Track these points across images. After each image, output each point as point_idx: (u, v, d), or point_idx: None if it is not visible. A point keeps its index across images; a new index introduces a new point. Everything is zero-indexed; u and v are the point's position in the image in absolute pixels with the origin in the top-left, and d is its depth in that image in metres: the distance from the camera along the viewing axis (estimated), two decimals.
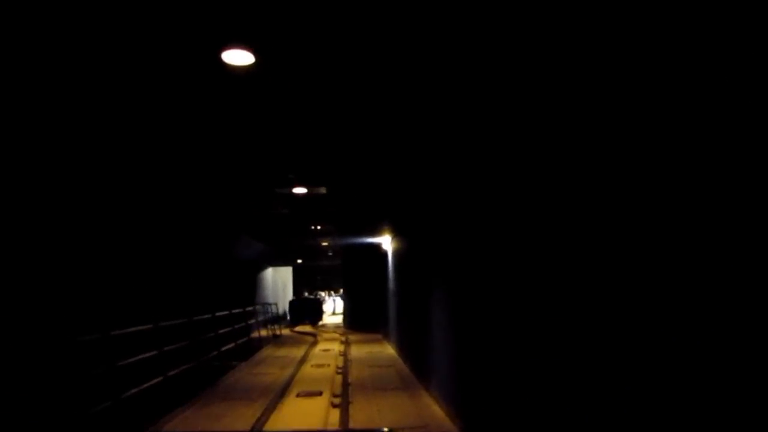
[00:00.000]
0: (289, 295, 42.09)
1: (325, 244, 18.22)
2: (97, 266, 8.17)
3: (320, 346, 18.27)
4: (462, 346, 6.83)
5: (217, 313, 12.39)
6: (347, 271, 27.59)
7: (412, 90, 5.62)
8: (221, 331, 12.47)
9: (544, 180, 3.99)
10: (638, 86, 2.56)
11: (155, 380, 8.72)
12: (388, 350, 16.78)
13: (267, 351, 17.32)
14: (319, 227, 13.67)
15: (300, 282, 45.20)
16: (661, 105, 2.32)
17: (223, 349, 12.49)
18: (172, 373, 9.05)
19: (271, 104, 5.91)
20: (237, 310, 14.89)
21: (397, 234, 15.51)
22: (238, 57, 4.79)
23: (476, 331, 6.05)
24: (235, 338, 14.07)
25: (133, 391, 7.84)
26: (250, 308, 18.06)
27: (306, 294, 37.02)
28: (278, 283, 35.43)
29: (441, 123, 6.47)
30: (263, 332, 21.92)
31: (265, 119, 6.34)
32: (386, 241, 17.57)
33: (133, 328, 8.19)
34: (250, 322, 16.08)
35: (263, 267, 28.03)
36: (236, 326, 14.32)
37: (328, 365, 13.47)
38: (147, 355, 8.52)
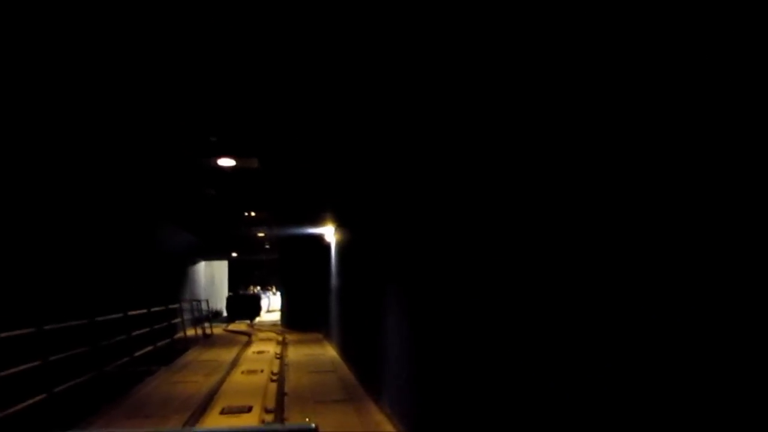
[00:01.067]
0: (224, 291, 39.83)
1: (261, 235, 16.50)
2: None
3: (254, 347, 16.54)
4: (424, 357, 5.43)
5: (131, 312, 10.53)
6: (285, 265, 25.84)
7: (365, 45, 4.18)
8: (136, 332, 10.62)
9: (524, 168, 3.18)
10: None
11: (35, 399, 6.90)
12: (330, 352, 15.26)
13: (193, 354, 15.47)
14: (253, 214, 12.01)
15: (236, 277, 42.94)
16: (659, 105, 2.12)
17: (138, 354, 10.65)
18: (60, 388, 7.25)
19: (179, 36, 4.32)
20: (157, 308, 13.02)
21: (342, 225, 14.00)
22: None
23: (444, 341, 4.65)
24: (155, 340, 12.21)
25: None
26: (175, 305, 16.11)
27: (242, 290, 35.32)
28: (212, 278, 33.17)
29: (400, 89, 5.08)
30: (191, 331, 19.99)
31: (175, 57, 4.73)
32: (329, 233, 16.01)
33: (5, 334, 6.37)
34: (174, 321, 14.19)
35: (194, 261, 25.90)
36: (156, 326, 12.45)
37: (262, 371, 11.83)
38: (23, 367, 6.70)
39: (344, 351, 13.47)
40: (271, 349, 16.01)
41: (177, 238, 16.20)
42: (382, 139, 6.55)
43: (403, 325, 6.41)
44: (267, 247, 21.04)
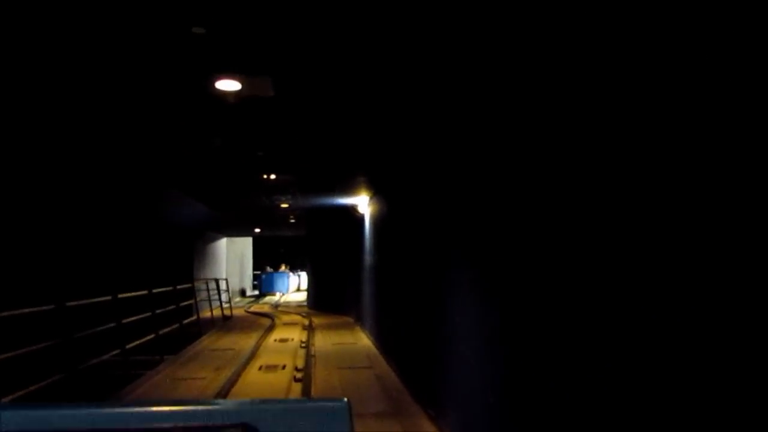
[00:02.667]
0: (249, 270, 38.13)
1: (284, 206, 14.38)
2: None
3: (277, 333, 14.55)
4: (527, 375, 3.26)
5: (123, 294, 8.52)
6: (312, 240, 23.85)
7: None
8: (127, 320, 8.62)
9: None
10: None
11: None
12: (363, 340, 13.18)
13: (207, 340, 13.56)
14: (272, 176, 9.88)
15: (261, 256, 41.19)
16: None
17: (130, 346, 8.67)
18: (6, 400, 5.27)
19: None
20: (162, 289, 11.04)
21: (378, 193, 11.80)
22: None
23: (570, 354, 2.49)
24: (158, 326, 10.25)
25: None
26: (188, 285, 14.16)
27: (272, 269, 35.94)
28: (235, 256, 31.36)
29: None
30: (208, 313, 18.14)
31: None
32: (362, 203, 13.84)
33: None
34: (183, 304, 12.22)
35: (213, 237, 24.04)
36: (160, 310, 10.47)
37: (284, 367, 9.78)
38: None
39: (381, 340, 11.36)
40: (296, 335, 14.00)
41: (187, 210, 14.20)
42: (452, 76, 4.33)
43: (489, 316, 4.22)
44: (292, 221, 18.97)
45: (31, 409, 1.16)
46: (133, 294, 9.25)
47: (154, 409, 1.13)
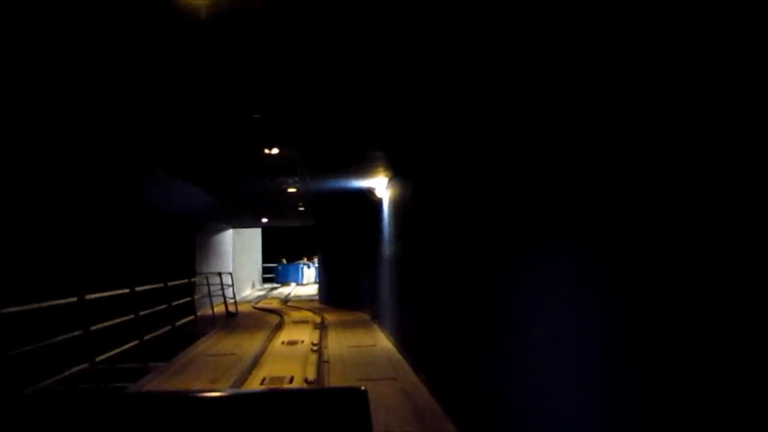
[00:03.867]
0: (258, 263, 36.60)
1: (292, 191, 12.73)
2: None
3: (285, 333, 12.96)
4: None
5: (90, 296, 6.91)
6: (323, 229, 22.26)
7: None
8: (96, 327, 7.02)
9: None
10: None
11: None
12: (382, 342, 11.56)
13: (206, 343, 11.99)
14: (275, 151, 8.22)
15: (271, 248, 39.63)
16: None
17: (101, 358, 7.10)
18: None
19: None
20: (150, 287, 9.45)
21: (399, 173, 10.15)
22: None
23: None
24: (146, 329, 8.70)
25: None
26: (185, 281, 12.57)
27: (286, 261, 36.86)
28: (242, 249, 29.80)
29: None
30: (210, 310, 16.62)
31: None
32: (380, 186, 12.18)
33: None
34: (175, 303, 10.65)
35: (217, 227, 22.50)
36: (145, 312, 8.87)
37: (291, 380, 8.16)
38: None
39: (404, 344, 9.73)
40: (306, 336, 12.40)
41: (178, 195, 12.60)
42: None
43: (624, 333, 2.55)
44: (301, 208, 17.32)
45: None
46: (108, 294, 7.66)
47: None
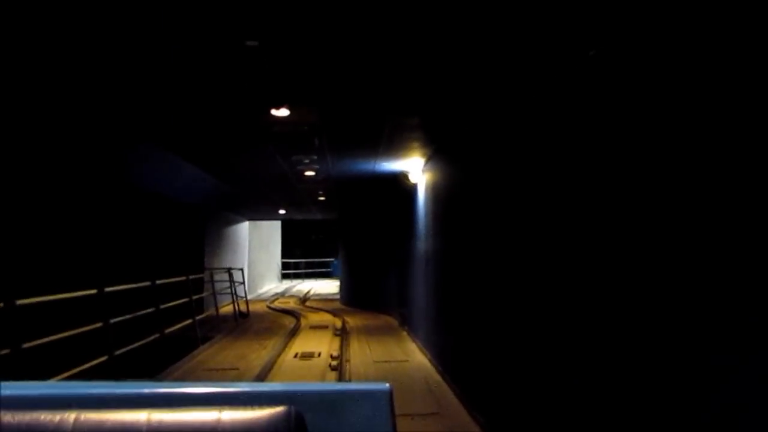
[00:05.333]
0: (277, 258, 34.82)
1: (310, 174, 10.78)
2: None
3: (300, 343, 11.06)
4: None
5: (23, 301, 5.00)
6: (346, 221, 20.43)
7: None
8: (30, 345, 5.11)
9: None
10: None
11: None
12: (416, 356, 9.58)
13: (208, 352, 10.15)
14: (284, 112, 6.25)
15: (290, 243, 37.87)
16: None
17: (64, 375, 5.21)
18: None
19: None
20: (123, 287, 7.55)
21: (440, 151, 8.18)
22: None
23: None
24: (117, 343, 6.87)
25: None
26: (193, 276, 10.70)
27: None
28: (260, 243, 27.99)
29: None
30: (222, 308, 14.82)
31: None
32: (415, 168, 10.20)
33: None
34: (165, 305, 8.78)
35: (229, 218, 20.70)
36: (112, 320, 6.95)
37: None
38: None
39: (446, 363, 7.75)
40: (324, 346, 10.48)
41: (177, 178, 10.74)
42: None
43: None
44: (322, 198, 15.38)
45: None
46: (84, 293, 5.80)
47: (192, 390, 1.05)
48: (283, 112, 6.24)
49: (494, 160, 5.33)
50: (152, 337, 8.09)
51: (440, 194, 8.38)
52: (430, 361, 8.94)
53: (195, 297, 11.45)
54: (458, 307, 6.91)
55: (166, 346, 8.79)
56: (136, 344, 7.70)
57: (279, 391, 1.09)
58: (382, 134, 7.69)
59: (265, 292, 26.29)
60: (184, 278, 9.93)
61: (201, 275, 13.45)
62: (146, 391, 1.06)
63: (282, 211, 20.69)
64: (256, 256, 26.76)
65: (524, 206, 4.41)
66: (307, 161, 9.38)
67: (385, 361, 9.11)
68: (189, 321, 9.92)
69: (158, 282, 8.36)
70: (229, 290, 14.65)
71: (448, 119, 6.93)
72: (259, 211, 20.51)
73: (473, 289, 6.08)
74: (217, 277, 15.61)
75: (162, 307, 8.37)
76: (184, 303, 10.01)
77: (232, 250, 21.10)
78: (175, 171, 9.95)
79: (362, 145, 8.60)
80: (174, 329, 8.98)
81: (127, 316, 7.40)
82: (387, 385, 1.08)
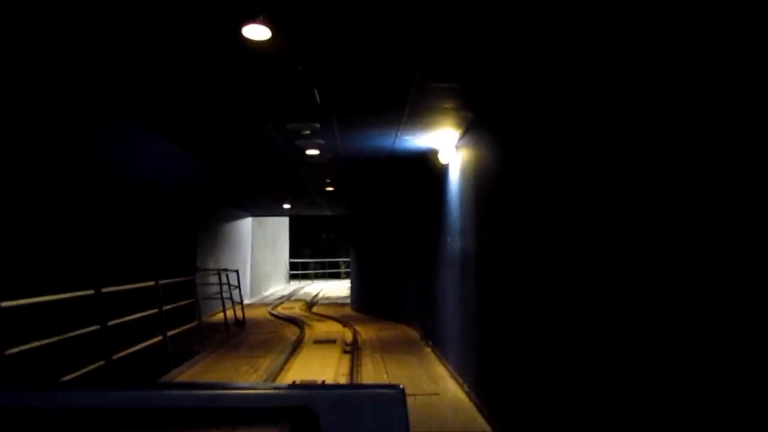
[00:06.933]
0: (285, 257, 32.76)
1: (313, 153, 8.67)
2: None
3: (300, 364, 8.96)
4: None
5: None
6: (357, 216, 18.35)
7: None
8: None
9: None
10: None
11: None
12: (446, 385, 7.46)
13: (183, 375, 8.09)
14: (264, 33, 4.17)
15: (299, 242, 35.81)
16: None
17: None
18: None
19: None
20: (60, 296, 5.51)
21: (482, 123, 6.07)
22: None
23: None
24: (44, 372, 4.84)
25: None
26: (148, 283, 8.57)
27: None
28: (264, 240, 25.90)
29: None
30: (210, 317, 12.79)
31: None
32: (446, 145, 8.07)
33: None
34: (128, 317, 6.73)
35: (227, 213, 18.67)
36: (71, 334, 4.96)
37: None
38: None
39: (493, 399, 5.61)
40: (331, 369, 8.38)
41: (148, 155, 8.68)
42: None
43: None
44: (329, 188, 13.28)
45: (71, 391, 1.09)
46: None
47: (208, 391, 1.10)
48: (261, 33, 4.11)
49: (574, 129, 3.21)
50: (96, 364, 6.01)
51: (485, 177, 6.25)
52: (467, 395, 6.82)
53: (184, 303, 9.42)
54: (512, 324, 4.78)
55: (127, 368, 6.75)
56: (76, 373, 5.66)
57: (294, 393, 1.14)
58: (410, 88, 5.56)
59: (270, 295, 24.24)
60: (152, 283, 7.84)
61: (191, 278, 11.43)
62: (159, 392, 1.11)
63: (287, 206, 18.58)
64: (260, 255, 24.70)
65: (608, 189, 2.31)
66: (307, 132, 7.27)
67: (409, 395, 6.99)
68: (159, 338, 7.83)
69: (108, 289, 6.27)
70: (225, 294, 12.59)
71: (493, 81, 4.81)
72: (261, 206, 18.40)
73: (540, 301, 3.95)
74: (213, 279, 13.59)
75: (120, 321, 6.32)
76: (158, 313, 7.97)
77: (232, 249, 19.08)
78: (146, 147, 7.89)
79: (380, 112, 6.49)
80: (132, 350, 6.88)
81: (58, 337, 5.35)
82: (400, 386, 1.09)
